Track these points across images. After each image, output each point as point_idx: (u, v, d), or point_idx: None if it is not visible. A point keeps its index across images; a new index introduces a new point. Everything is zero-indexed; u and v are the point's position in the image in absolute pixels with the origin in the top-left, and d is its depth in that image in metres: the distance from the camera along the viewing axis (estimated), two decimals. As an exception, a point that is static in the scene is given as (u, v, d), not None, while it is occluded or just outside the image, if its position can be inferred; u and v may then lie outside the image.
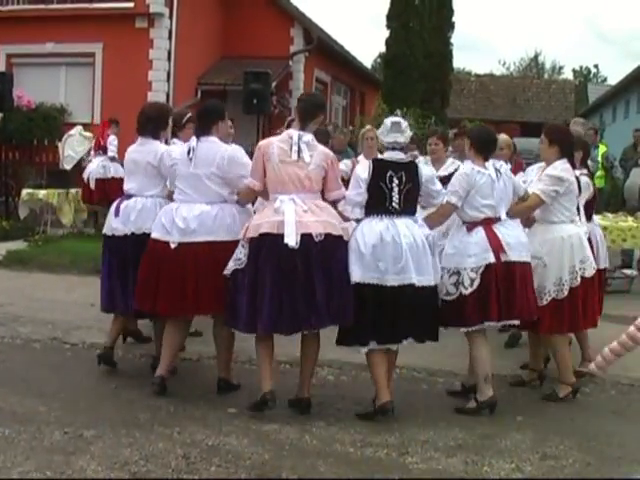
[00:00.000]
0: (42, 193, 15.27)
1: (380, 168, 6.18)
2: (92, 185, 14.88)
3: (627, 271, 11.90)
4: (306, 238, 5.88)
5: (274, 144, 6.16)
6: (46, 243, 14.21)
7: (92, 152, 15.75)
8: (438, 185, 6.50)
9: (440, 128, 10.68)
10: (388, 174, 6.14)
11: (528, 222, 6.87)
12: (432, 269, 6.15)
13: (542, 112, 40.00)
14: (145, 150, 6.96)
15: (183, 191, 6.47)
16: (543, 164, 6.99)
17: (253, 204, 6.79)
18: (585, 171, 7.74)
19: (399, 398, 6.32)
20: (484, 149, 6.52)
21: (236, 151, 6.48)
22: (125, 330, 7.80)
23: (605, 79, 66.50)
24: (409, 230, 6.09)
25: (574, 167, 6.90)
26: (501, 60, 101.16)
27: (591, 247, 7.04)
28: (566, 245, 6.65)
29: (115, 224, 7.03)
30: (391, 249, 5.99)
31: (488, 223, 6.35)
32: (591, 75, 71.37)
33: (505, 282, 6.24)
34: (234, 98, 19.64)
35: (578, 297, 6.65)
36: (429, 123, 21.20)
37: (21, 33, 20.04)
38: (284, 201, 6.00)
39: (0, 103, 15.72)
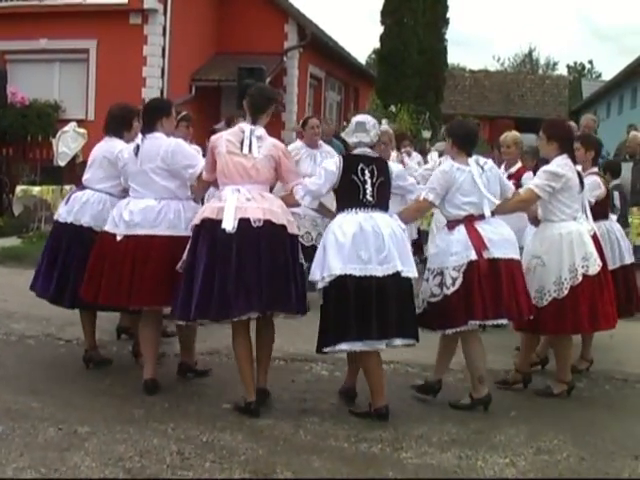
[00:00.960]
0: (36, 189, 15.26)
1: (351, 162, 6.11)
2: None
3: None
4: (244, 223, 5.85)
5: (223, 137, 6.23)
6: (40, 239, 14.12)
7: None
8: (411, 179, 6.51)
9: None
10: (359, 167, 6.05)
11: (534, 221, 6.83)
12: (413, 262, 6.05)
13: (536, 108, 40.09)
14: (105, 146, 7.08)
15: (134, 189, 6.57)
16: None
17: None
18: (595, 169, 7.56)
19: (393, 393, 6.33)
20: (465, 144, 6.38)
21: (180, 143, 6.57)
22: (119, 327, 7.97)
23: (599, 75, 66.63)
24: (386, 222, 5.97)
25: (575, 163, 6.74)
26: (495, 56, 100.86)
27: (599, 245, 6.82)
28: (565, 242, 6.49)
29: (61, 210, 7.22)
30: (373, 238, 5.84)
31: (470, 221, 6.21)
32: (585, 71, 71.46)
33: (490, 279, 6.07)
34: (228, 94, 19.69)
35: (581, 296, 6.45)
36: (423, 119, 21.24)
37: (15, 29, 20.05)
38: (228, 190, 6.04)
39: (-6, 100, 15.71)
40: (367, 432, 5.75)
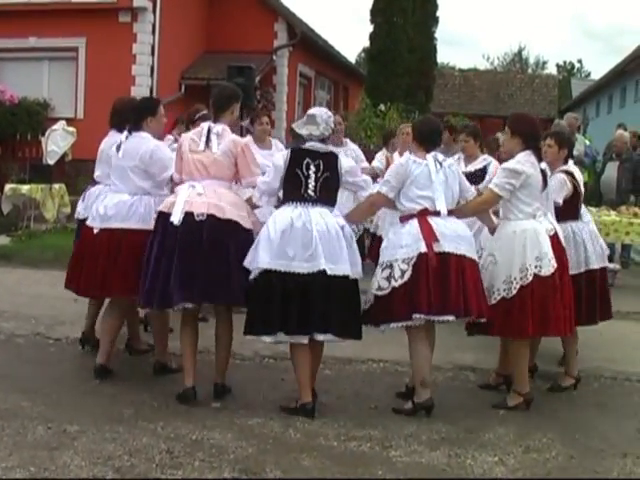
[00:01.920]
0: (25, 188, 15.21)
1: (298, 155, 6.13)
2: None
3: (610, 265, 11.92)
4: (188, 217, 6.07)
5: (187, 137, 6.48)
6: (29, 238, 14.18)
7: None
8: (363, 176, 6.49)
9: (471, 124, 10.33)
10: (305, 161, 6.08)
11: (492, 231, 6.62)
12: (348, 260, 6.00)
13: (526, 107, 40.05)
14: (110, 141, 7.27)
15: (113, 182, 6.91)
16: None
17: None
18: (564, 167, 7.15)
19: (382, 392, 6.35)
20: (426, 140, 6.32)
21: (160, 146, 6.83)
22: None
23: (589, 74, 66.87)
24: (323, 218, 5.97)
25: (540, 160, 6.47)
26: (485, 55, 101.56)
27: (561, 246, 6.46)
28: (518, 240, 6.24)
29: (79, 208, 7.73)
30: (300, 235, 5.88)
31: (424, 215, 6.11)
32: (575, 70, 71.66)
33: (438, 273, 5.94)
34: (218, 93, 19.62)
35: (529, 298, 6.17)
36: (413, 118, 21.25)
37: (3, 28, 20.01)
38: (185, 186, 6.27)
39: (-17, 98, 15.68)
40: (356, 431, 5.76)
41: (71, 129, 16.93)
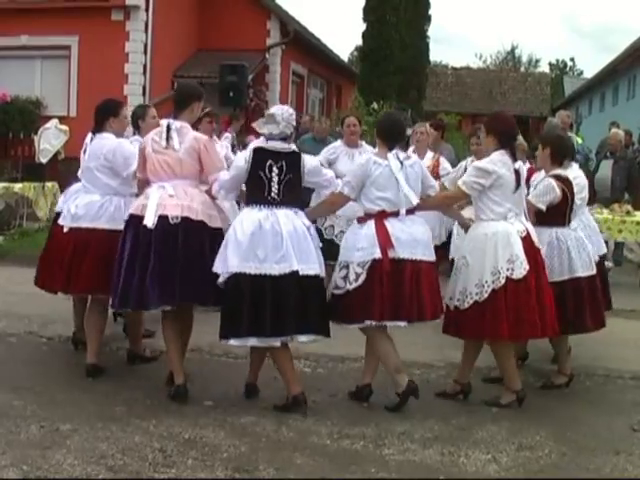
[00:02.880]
0: (18, 187, 15.15)
1: (260, 156, 6.09)
2: None
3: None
4: (163, 220, 6.09)
5: (149, 137, 6.48)
6: (22, 237, 14.16)
7: None
8: (327, 175, 6.44)
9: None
10: (268, 163, 6.05)
11: (463, 226, 6.67)
12: (316, 259, 6.03)
13: (518, 105, 40.23)
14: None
15: (84, 184, 7.09)
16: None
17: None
18: (557, 172, 6.91)
19: (375, 390, 6.34)
20: (387, 138, 6.26)
21: (121, 143, 6.95)
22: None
23: (581, 72, 66.93)
24: (289, 219, 5.97)
25: (515, 159, 6.38)
26: (478, 53, 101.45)
27: (534, 248, 6.32)
28: (489, 243, 6.15)
29: (60, 202, 7.73)
30: (270, 237, 5.85)
31: (381, 217, 6.10)
32: (567, 68, 71.73)
33: (392, 280, 5.96)
34: (210, 91, 19.52)
35: (502, 301, 6.08)
36: (405, 116, 21.24)
37: (-5, 26, 19.92)
38: (154, 187, 6.29)
39: (-25, 96, 15.65)
40: (349, 429, 5.76)
41: (64, 127, 16.87)
